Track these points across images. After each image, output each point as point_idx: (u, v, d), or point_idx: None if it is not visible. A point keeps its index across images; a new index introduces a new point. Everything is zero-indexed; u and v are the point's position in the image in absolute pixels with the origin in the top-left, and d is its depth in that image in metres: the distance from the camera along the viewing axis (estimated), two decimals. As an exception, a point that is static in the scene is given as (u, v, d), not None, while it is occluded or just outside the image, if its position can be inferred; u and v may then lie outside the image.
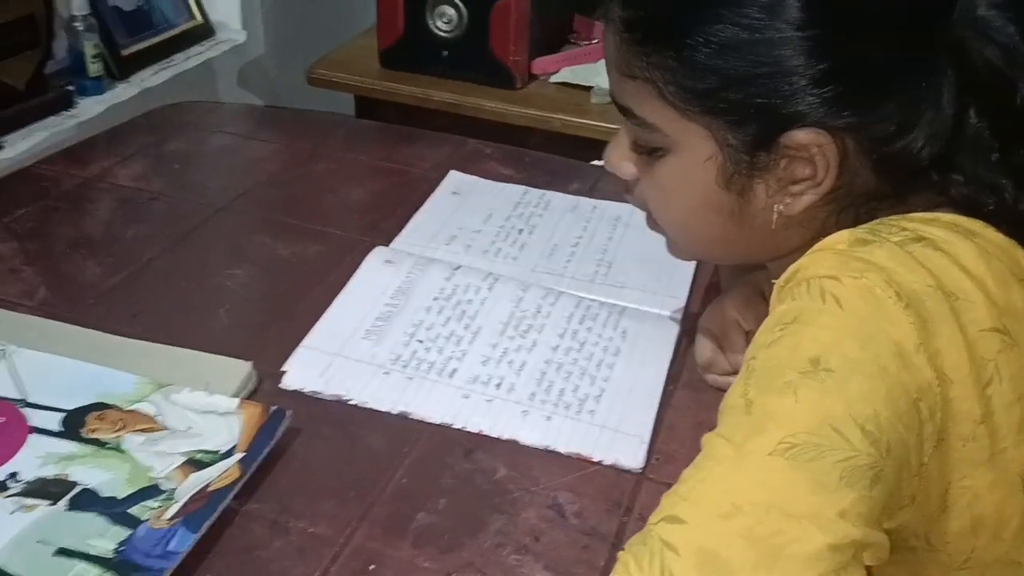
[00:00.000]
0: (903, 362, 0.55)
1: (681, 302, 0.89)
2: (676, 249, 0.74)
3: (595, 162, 1.25)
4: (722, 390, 0.78)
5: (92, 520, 0.62)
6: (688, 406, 0.78)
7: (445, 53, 1.35)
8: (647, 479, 0.70)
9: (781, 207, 0.64)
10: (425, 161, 1.16)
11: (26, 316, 0.82)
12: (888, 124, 0.61)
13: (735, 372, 0.78)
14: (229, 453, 0.67)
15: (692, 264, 0.95)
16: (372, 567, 0.62)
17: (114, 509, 0.62)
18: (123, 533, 0.61)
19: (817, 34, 0.59)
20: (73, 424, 0.69)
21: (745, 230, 0.66)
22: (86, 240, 0.95)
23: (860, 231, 0.60)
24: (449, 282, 0.88)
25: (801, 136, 0.60)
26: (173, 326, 0.83)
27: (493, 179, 1.10)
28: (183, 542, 0.60)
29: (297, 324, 0.84)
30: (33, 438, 0.68)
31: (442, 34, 1.35)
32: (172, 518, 0.62)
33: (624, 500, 0.68)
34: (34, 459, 0.66)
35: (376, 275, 0.89)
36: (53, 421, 0.69)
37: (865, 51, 0.60)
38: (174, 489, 0.64)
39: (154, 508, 0.63)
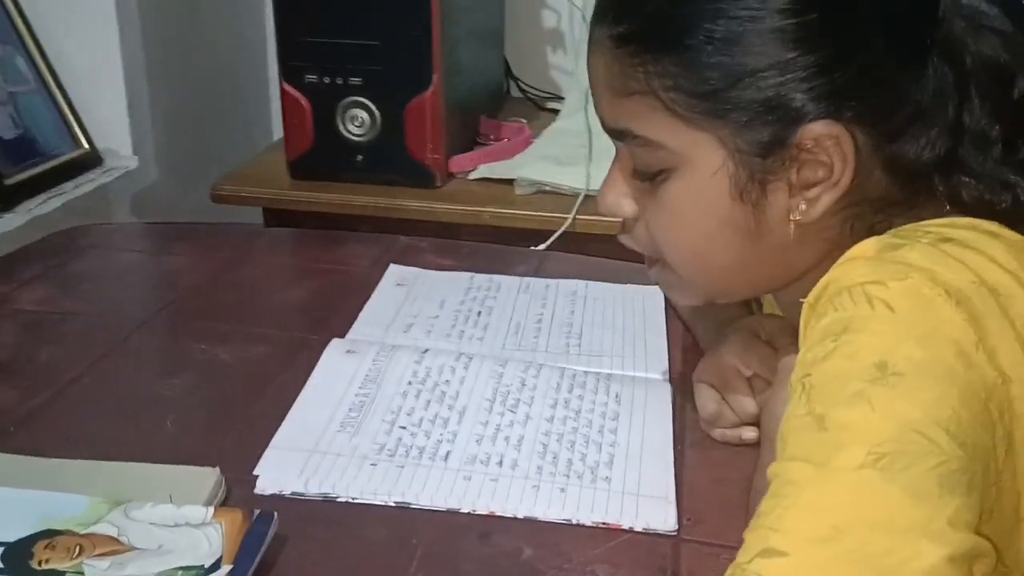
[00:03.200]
0: (966, 361, 0.52)
1: (664, 363, 0.85)
2: (686, 289, 0.69)
3: (536, 247, 1.22)
4: (731, 444, 0.74)
5: (63, 660, 0.51)
6: (700, 464, 0.72)
7: (360, 157, 1.31)
8: (684, 541, 0.64)
9: (798, 215, 0.60)
10: (359, 260, 1.10)
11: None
12: (894, 117, 0.59)
13: (743, 422, 0.74)
14: (216, 566, 0.57)
15: (663, 328, 0.91)
16: (408, 673, 0.53)
17: (89, 645, 0.52)
18: (104, 670, 0.50)
19: (813, 19, 0.57)
20: (17, 557, 0.58)
21: (762, 249, 0.62)
22: (-3, 365, 0.84)
23: (886, 238, 0.58)
24: (420, 365, 0.81)
25: (816, 128, 0.58)
26: (115, 443, 0.72)
27: (434, 270, 1.04)
28: (180, 671, 0.50)
29: (257, 427, 0.75)
30: (-29, 578, 0.56)
31: (355, 138, 1.30)
32: (160, 646, 0.52)
33: (667, 565, 0.61)
34: (-24, 602, 0.55)
35: (339, 366, 0.81)
36: (-9, 557, 0.58)
37: (863, 38, 0.58)
38: (157, 613, 0.54)
39: (137, 637, 0.52)
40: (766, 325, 0.76)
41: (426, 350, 0.83)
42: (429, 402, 0.76)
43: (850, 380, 0.51)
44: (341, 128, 1.30)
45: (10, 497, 0.63)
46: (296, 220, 1.35)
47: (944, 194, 0.61)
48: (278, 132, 1.56)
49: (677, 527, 0.64)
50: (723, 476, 0.71)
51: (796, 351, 0.69)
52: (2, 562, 0.57)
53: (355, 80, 1.28)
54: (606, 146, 1.38)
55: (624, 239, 0.70)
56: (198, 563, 0.58)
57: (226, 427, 0.75)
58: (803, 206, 0.60)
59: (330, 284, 1.04)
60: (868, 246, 0.57)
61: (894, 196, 0.61)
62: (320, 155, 1.32)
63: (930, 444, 0.48)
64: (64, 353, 0.86)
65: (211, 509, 0.62)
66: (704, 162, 0.61)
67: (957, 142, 0.60)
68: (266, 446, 0.71)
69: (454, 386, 0.78)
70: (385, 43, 1.26)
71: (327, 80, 1.29)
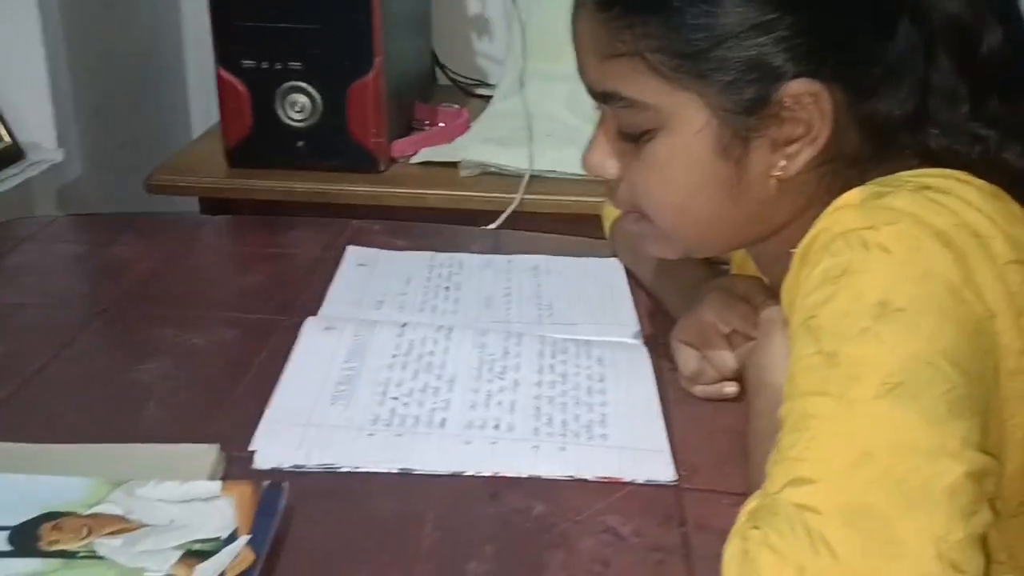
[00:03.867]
0: (957, 297, 0.55)
1: (636, 327, 0.86)
2: (666, 243, 0.71)
3: (488, 226, 1.23)
4: (712, 400, 0.77)
5: (97, 636, 0.49)
6: (687, 420, 0.74)
7: (300, 143, 1.29)
8: (684, 490, 0.66)
9: (778, 171, 0.63)
10: (311, 244, 1.09)
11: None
12: (868, 76, 0.62)
13: (723, 378, 0.76)
14: (232, 538, 0.57)
15: (628, 296, 0.93)
16: (444, 628, 0.53)
17: (119, 620, 0.50)
18: (142, 643, 0.49)
19: None
20: (24, 539, 0.56)
21: (742, 204, 0.65)
22: (-49, 361, 0.81)
23: (870, 187, 0.60)
24: (402, 338, 0.81)
25: (796, 87, 0.61)
26: (99, 427, 0.70)
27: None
28: (220, 638, 0.49)
29: (244, 405, 0.73)
30: (-21, 564, 0.54)
31: (295, 124, 1.28)
32: (192, 617, 0.51)
33: (673, 513, 0.63)
34: (-11, 586, 0.53)
35: (320, 343, 0.80)
36: (-4, 542, 0.56)
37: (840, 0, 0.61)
38: (182, 586, 0.53)
39: (167, 610, 0.51)
40: (738, 285, 0.79)
41: (404, 324, 0.84)
42: (417, 372, 0.76)
43: (856, 318, 0.54)
44: (281, 114, 1.28)
45: (6, 482, 0.60)
46: (235, 209, 1.32)
47: (914, 148, 0.64)
48: (207, 121, 1.53)
49: (676, 477, 0.66)
50: (711, 429, 0.73)
51: (775, 306, 0.72)
52: (10, 545, 0.55)
53: (295, 64, 1.26)
54: (546, 128, 1.41)
55: (611, 201, 0.71)
56: (214, 535, 0.57)
57: (212, 407, 0.74)
58: (783, 162, 0.63)
59: (286, 268, 1.02)
60: (853, 196, 0.60)
61: (867, 152, 0.64)
62: (259, 142, 1.30)
63: (936, 372, 0.51)
64: (21, 345, 0.83)
65: (219, 483, 0.61)
66: (688, 121, 0.63)
67: (926, 99, 0.63)
68: (257, 423, 0.71)
69: (439, 357, 0.79)
70: (324, 26, 1.25)
71: (265, 65, 1.27)
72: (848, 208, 0.60)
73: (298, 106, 1.28)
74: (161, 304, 0.93)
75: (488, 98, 1.63)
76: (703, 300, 0.78)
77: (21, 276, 0.99)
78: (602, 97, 0.67)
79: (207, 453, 0.65)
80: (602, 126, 0.69)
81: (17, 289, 0.95)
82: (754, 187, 0.64)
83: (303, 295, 0.94)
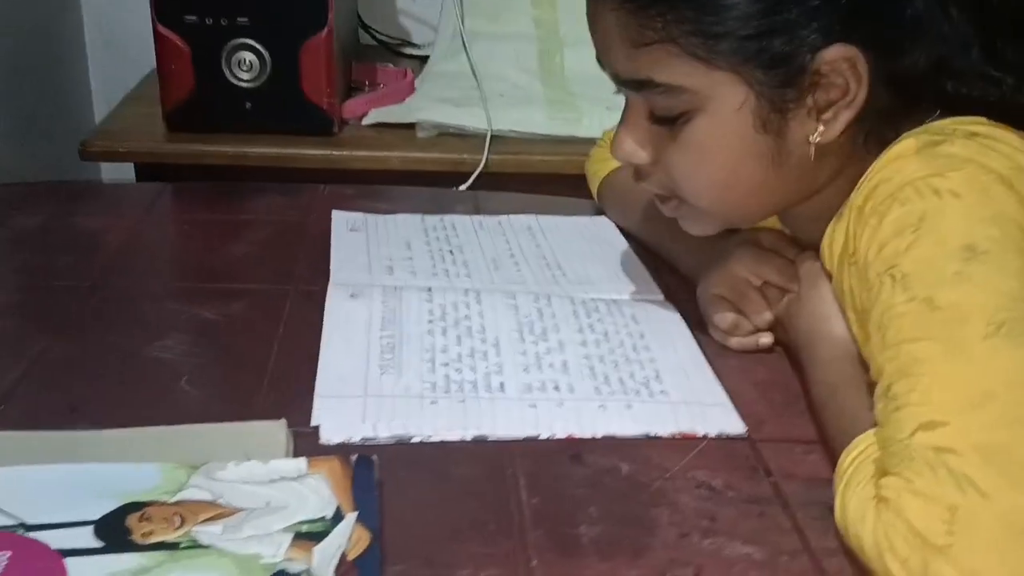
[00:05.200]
0: None
1: (654, 284, 0.87)
2: (705, 220, 0.72)
3: (459, 188, 1.20)
4: (748, 352, 0.78)
5: (242, 629, 0.46)
6: (731, 373, 0.74)
7: (248, 104, 1.22)
8: (757, 441, 0.66)
9: (817, 137, 0.64)
10: (288, 210, 1.04)
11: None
12: (894, 35, 0.63)
13: (759, 330, 0.77)
14: (338, 516, 0.54)
15: (631, 254, 0.93)
16: (580, 592, 0.52)
17: (256, 610, 0.47)
18: (291, 632, 0.46)
19: None
20: (114, 533, 0.51)
21: (783, 173, 0.66)
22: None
23: (923, 137, 0.62)
24: (432, 304, 0.78)
25: (831, 53, 0.62)
26: (132, 409, 0.65)
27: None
28: (371, 621, 0.47)
29: (284, 380, 0.70)
30: (73, 563, 0.49)
31: (243, 84, 1.21)
32: (331, 602, 0.48)
33: (756, 464, 0.64)
34: (94, 586, 0.48)
35: (349, 311, 0.77)
36: (81, 538, 0.51)
37: None
38: (307, 570, 0.50)
39: (301, 596, 0.48)
40: (763, 238, 0.79)
41: (429, 288, 0.81)
42: (459, 338, 0.74)
43: (945, 263, 0.55)
44: (227, 73, 1.22)
45: (73, 473, 0.55)
46: (175, 175, 1.25)
47: (935, 98, 0.65)
48: (131, 83, 1.44)
49: (746, 430, 0.67)
50: (756, 381, 0.74)
51: (813, 258, 0.73)
52: (101, 541, 0.51)
53: (242, 20, 1.20)
54: (496, 88, 1.38)
55: (642, 184, 0.71)
56: (318, 515, 0.54)
57: (250, 383, 0.70)
58: (821, 128, 0.64)
59: (272, 236, 0.97)
60: (908, 146, 0.62)
61: (896, 107, 0.65)
62: (202, 104, 1.23)
63: None
64: (11, 324, 0.76)
65: (304, 460, 0.58)
66: (727, 100, 0.64)
67: (944, 49, 0.64)
68: (303, 398, 0.67)
69: (476, 321, 0.77)
70: (276, -19, 1.19)
71: (209, 21, 1.20)
72: (906, 158, 0.61)
73: (245, 65, 1.21)
74: (150, 277, 0.87)
75: (416, 58, 1.60)
76: (731, 254, 0.79)
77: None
78: (635, 85, 0.67)
79: (276, 430, 0.62)
80: (629, 112, 0.69)
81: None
82: (794, 155, 0.65)
83: (300, 262, 0.90)
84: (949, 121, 0.64)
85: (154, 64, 1.24)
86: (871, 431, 0.55)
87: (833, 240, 0.68)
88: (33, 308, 0.79)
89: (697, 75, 0.64)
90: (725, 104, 0.64)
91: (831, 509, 0.59)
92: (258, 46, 1.20)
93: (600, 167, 1.01)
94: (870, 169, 0.64)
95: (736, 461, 0.64)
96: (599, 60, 0.69)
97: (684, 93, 0.65)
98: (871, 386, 0.59)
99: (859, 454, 0.55)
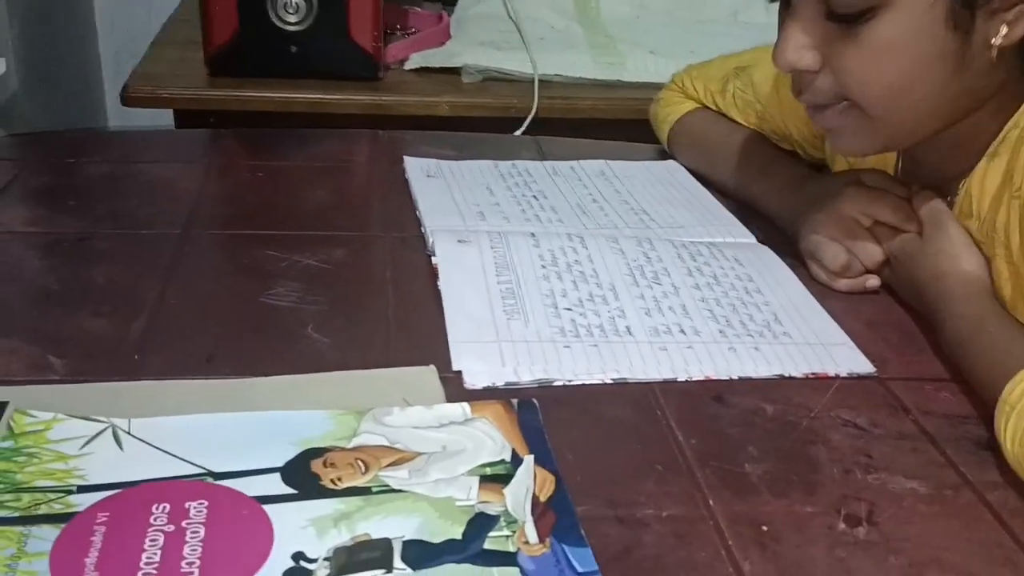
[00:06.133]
0: None
1: (744, 228, 0.87)
2: (867, 134, 0.70)
3: (516, 133, 1.19)
4: (855, 293, 0.78)
5: (465, 572, 0.46)
6: (842, 314, 0.74)
7: (294, 48, 1.20)
8: (887, 380, 0.67)
9: (1000, 39, 0.63)
10: (355, 156, 1.03)
11: (93, 385, 0.60)
12: None
13: (868, 271, 0.78)
14: (516, 459, 0.54)
15: (711, 197, 0.93)
16: (764, 528, 0.53)
17: (468, 552, 0.47)
18: (512, 573, 0.46)
19: None
20: (303, 480, 0.51)
21: (963, 78, 0.65)
22: (52, 296, 0.71)
23: None
24: (540, 248, 0.78)
25: None
26: (269, 357, 0.64)
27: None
28: (586, 560, 0.47)
29: (411, 326, 0.70)
30: (272, 510, 0.49)
31: (289, 27, 1.18)
32: (536, 542, 0.48)
33: (893, 402, 0.65)
34: (300, 531, 0.48)
35: (462, 257, 0.76)
36: (272, 485, 0.51)
37: None
38: (504, 511, 0.50)
39: (507, 536, 0.48)
40: (869, 178, 0.80)
41: (533, 234, 0.81)
42: (575, 282, 0.74)
43: None
44: (272, 16, 1.19)
45: (246, 421, 0.55)
46: (215, 122, 1.22)
47: None
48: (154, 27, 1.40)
49: (875, 368, 0.68)
50: (870, 320, 0.74)
51: (934, 198, 0.74)
52: (292, 487, 0.50)
53: (289, -38, 1.17)
54: (536, 31, 1.37)
55: (804, 96, 0.70)
56: (497, 458, 0.54)
57: (376, 329, 0.69)
58: (1004, 29, 0.63)
59: (346, 182, 0.97)
60: None
61: None
62: (245, 48, 1.20)
63: None
64: (116, 276, 0.75)
65: (467, 405, 0.58)
66: None
67: None
68: (433, 343, 0.67)
69: (586, 265, 0.77)
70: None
71: (255, -37, 1.17)
72: None
73: (292, 7, 1.18)
74: (238, 224, 0.85)
75: (439, 1, 1.57)
76: (840, 194, 0.79)
77: (62, 200, 0.87)
78: None
79: (428, 375, 0.61)
80: (795, 14, 0.67)
81: (70, 217, 0.83)
82: (976, 59, 0.64)
83: (384, 209, 0.89)
84: None
85: (174, 7, 1.21)
86: None
87: (986, 178, 0.68)
88: (129, 256, 0.77)
89: None
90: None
91: (978, 444, 0.61)
92: (305, -12, 1.18)
93: (672, 110, 1.01)
94: None
95: (873, 399, 0.65)
96: None
97: None
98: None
99: None
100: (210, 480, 0.51)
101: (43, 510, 0.48)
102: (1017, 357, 0.58)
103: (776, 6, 0.71)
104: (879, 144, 0.73)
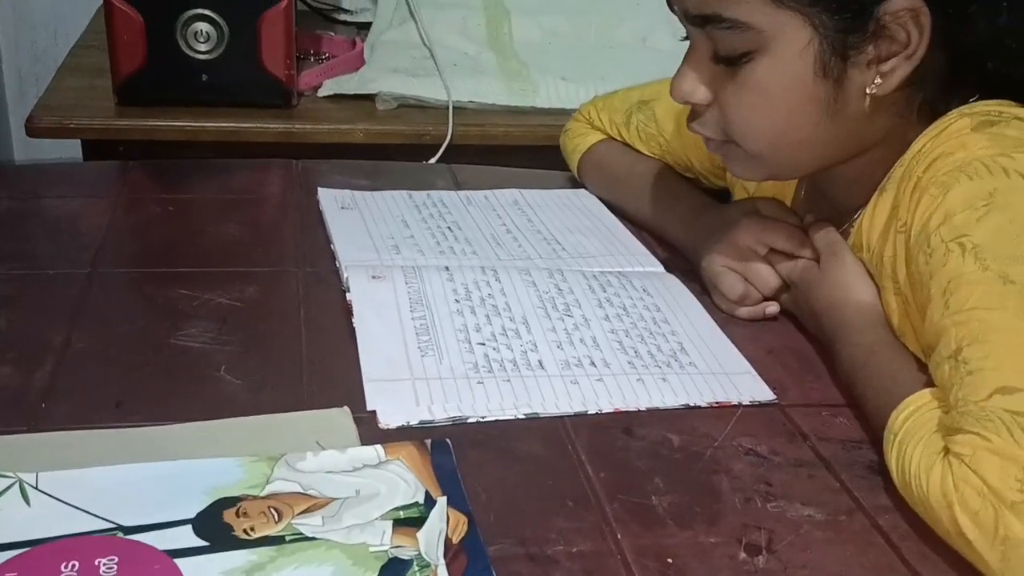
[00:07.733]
0: None
1: (652, 257, 0.89)
2: (753, 166, 0.73)
3: (430, 161, 1.20)
4: (755, 320, 0.81)
5: (377, 618, 0.47)
6: (744, 342, 0.77)
7: (205, 77, 1.19)
8: (787, 407, 0.70)
9: (874, 88, 0.67)
10: (268, 187, 1.03)
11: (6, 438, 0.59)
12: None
13: (766, 298, 0.81)
14: (430, 501, 0.55)
15: (621, 226, 0.95)
16: (670, 560, 0.55)
17: (381, 598, 0.48)
18: (424, 618, 0.47)
19: None
20: (215, 531, 0.51)
21: (838, 123, 0.68)
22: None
23: (971, 117, 0.65)
24: (454, 283, 0.79)
25: (897, 3, 0.64)
26: (178, 402, 0.64)
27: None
28: (496, 601, 0.48)
29: (324, 365, 0.70)
30: (185, 563, 0.49)
31: (199, 56, 1.18)
32: (449, 585, 0.49)
33: (793, 429, 0.68)
34: (213, 585, 0.48)
35: (376, 294, 0.77)
36: (183, 538, 0.51)
37: None
38: (417, 555, 0.51)
39: (420, 582, 0.49)
40: (764, 207, 0.83)
41: (447, 268, 0.82)
42: (488, 316, 0.76)
43: (1018, 240, 0.59)
44: (182, 44, 1.18)
45: (155, 471, 0.55)
46: (125, 152, 1.21)
47: (978, 77, 0.68)
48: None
49: (775, 396, 0.71)
50: (775, 346, 0.77)
51: (829, 227, 0.77)
52: (204, 539, 0.51)
53: (198, -9, 1.16)
54: (449, 57, 1.38)
55: (695, 126, 0.73)
56: (410, 501, 0.55)
57: (289, 369, 0.69)
58: (879, 80, 0.66)
59: (258, 215, 0.96)
60: (963, 123, 0.65)
61: (948, 78, 0.68)
62: (154, 76, 1.19)
63: None
64: (23, 318, 0.73)
65: (380, 447, 0.59)
66: (791, 41, 0.66)
67: (1004, 20, 0.66)
68: (346, 382, 0.67)
69: (499, 299, 0.78)
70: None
71: (163, -8, 1.16)
72: (965, 135, 0.64)
73: (202, 36, 1.18)
74: (147, 261, 0.85)
75: (350, 25, 1.58)
76: (735, 224, 0.82)
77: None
78: (701, 21, 0.68)
79: (342, 417, 0.62)
80: (692, 53, 0.71)
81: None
82: (850, 105, 0.68)
83: (297, 242, 0.89)
84: (992, 103, 0.67)
85: (80, 31, 1.19)
86: (926, 390, 0.59)
87: (875, 212, 0.71)
88: (33, 298, 0.76)
89: (764, 13, 0.65)
90: (789, 45, 0.66)
91: (871, 469, 0.64)
92: (215, 17, 1.17)
93: (580, 141, 1.03)
94: (917, 141, 0.68)
95: (773, 427, 0.68)
96: None
97: (749, 31, 0.66)
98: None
99: (913, 411, 0.59)
100: (120, 535, 0.51)
101: (-53, 572, 0.47)
102: (903, 385, 0.61)
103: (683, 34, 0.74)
104: (765, 174, 0.76)
